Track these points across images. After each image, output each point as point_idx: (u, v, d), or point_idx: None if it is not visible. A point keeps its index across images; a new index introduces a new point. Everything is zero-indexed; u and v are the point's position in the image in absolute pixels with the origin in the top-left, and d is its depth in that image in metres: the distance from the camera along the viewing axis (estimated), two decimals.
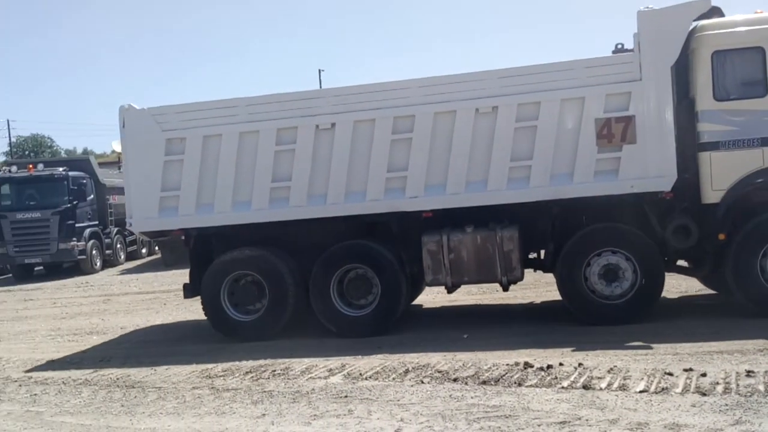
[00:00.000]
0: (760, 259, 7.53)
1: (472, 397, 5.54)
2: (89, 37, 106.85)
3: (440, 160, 8.11)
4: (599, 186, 7.79)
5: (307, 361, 7.18)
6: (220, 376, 6.97)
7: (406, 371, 6.49)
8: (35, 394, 6.89)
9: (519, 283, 8.52)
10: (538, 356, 6.61)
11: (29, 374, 7.71)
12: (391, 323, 8.37)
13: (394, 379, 6.30)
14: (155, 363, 7.67)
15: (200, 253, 9.18)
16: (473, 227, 8.10)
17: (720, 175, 7.60)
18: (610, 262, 7.84)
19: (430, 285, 8.60)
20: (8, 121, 54.38)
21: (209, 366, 7.34)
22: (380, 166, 8.23)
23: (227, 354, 7.85)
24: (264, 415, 5.57)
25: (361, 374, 6.54)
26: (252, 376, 6.82)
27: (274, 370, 6.96)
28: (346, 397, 5.85)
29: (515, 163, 7.96)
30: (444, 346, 7.33)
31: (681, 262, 8.48)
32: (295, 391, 6.16)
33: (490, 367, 6.35)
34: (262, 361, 7.34)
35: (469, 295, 10.49)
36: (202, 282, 8.88)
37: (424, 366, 6.60)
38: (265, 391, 6.25)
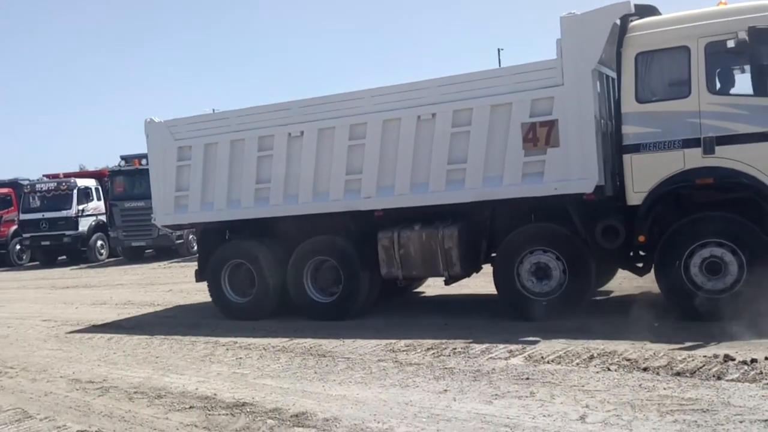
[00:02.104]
0: (684, 261, 7.29)
1: (664, 389, 5.24)
2: (282, 25, 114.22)
3: (389, 163, 8.73)
4: (526, 188, 8.02)
5: (486, 342, 7.21)
6: (403, 350, 7.21)
7: (591, 357, 6.28)
8: (240, 358, 7.58)
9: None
10: (740, 349, 6.07)
11: (234, 340, 8.48)
12: (352, 310, 9.10)
13: (577, 364, 6.13)
14: (343, 335, 8.10)
15: (207, 243, 10.44)
16: (420, 225, 8.66)
17: (641, 178, 7.52)
18: (540, 261, 8.06)
19: (385, 278, 9.00)
20: (213, 110, 59.45)
21: (392, 341, 7.61)
22: (339, 169, 9.00)
23: (407, 330, 8.10)
24: (446, 390, 5.69)
25: (542, 357, 6.44)
26: (433, 353, 6.99)
27: (455, 348, 7.07)
28: (527, 379, 5.80)
29: (452, 166, 8.38)
30: (631, 333, 6.96)
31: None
32: (476, 370, 6.22)
33: (684, 358, 5.95)
34: (442, 339, 7.49)
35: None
36: (207, 268, 10.14)
37: (610, 353, 6.35)
38: (446, 368, 6.38)
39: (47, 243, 22.54)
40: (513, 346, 6.92)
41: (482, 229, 8.60)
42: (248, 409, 5.62)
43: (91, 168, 34.47)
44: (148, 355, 8.11)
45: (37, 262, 23.94)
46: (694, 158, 7.26)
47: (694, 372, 5.57)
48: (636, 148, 7.54)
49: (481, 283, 10.07)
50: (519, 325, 7.81)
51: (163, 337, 9.04)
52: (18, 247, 24.03)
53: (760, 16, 6.98)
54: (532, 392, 5.43)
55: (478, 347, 7.02)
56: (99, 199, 23.27)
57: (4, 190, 24.76)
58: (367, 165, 8.83)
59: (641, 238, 7.56)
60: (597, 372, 5.84)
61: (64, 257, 23.84)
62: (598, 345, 6.68)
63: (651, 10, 7.97)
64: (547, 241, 8.08)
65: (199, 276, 10.39)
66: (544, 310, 7.94)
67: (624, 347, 6.51)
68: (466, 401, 5.37)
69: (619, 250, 7.87)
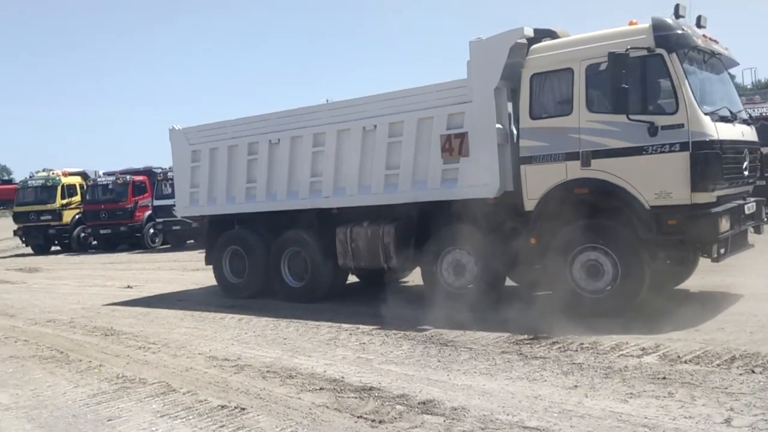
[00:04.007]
0: (569, 264, 8.02)
1: None
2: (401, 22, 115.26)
3: (342, 167, 10.01)
4: (444, 192, 9.00)
5: (615, 338, 6.96)
6: (527, 343, 7.11)
7: (732, 358, 5.93)
8: (363, 343, 7.74)
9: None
10: None
11: (356, 326, 8.65)
12: (317, 296, 10.54)
13: (718, 365, 5.80)
14: (464, 325, 8.05)
15: (213, 232, 12.14)
16: (368, 222, 9.81)
17: (533, 187, 8.31)
18: (457, 258, 9.01)
19: (342, 267, 10.28)
20: (327, 100, 60.56)
21: (515, 333, 7.51)
22: (305, 172, 10.40)
23: (529, 323, 7.92)
24: (576, 386, 5.56)
25: (678, 357, 6.15)
26: (559, 347, 6.84)
27: (582, 344, 6.88)
28: (663, 378, 5.56)
29: (389, 171, 9.53)
30: None
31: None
32: (607, 367, 6.02)
33: None
34: (566, 333, 7.28)
35: None
36: (212, 253, 11.94)
37: (753, 354, 5.98)
38: (574, 363, 6.23)
39: (177, 228, 23.97)
40: (645, 344, 6.65)
41: (413, 227, 9.55)
42: (376, 394, 5.74)
43: None
44: (276, 337, 8.46)
45: (169, 245, 25.56)
46: (574, 170, 7.98)
47: None
48: (529, 160, 8.31)
49: None
50: (647, 323, 7.49)
51: (288, 320, 9.38)
52: (152, 231, 25.75)
53: (619, 42, 7.60)
54: (671, 393, 5.20)
55: (607, 343, 6.80)
56: None
57: (140, 178, 26.56)
58: (326, 169, 10.20)
59: (532, 241, 8.32)
60: (740, 374, 5.51)
61: (192, 241, 25.29)
62: (738, 345, 6.32)
63: (551, 34, 8.72)
64: (462, 240, 8.91)
65: (207, 260, 12.19)
66: (462, 302, 8.69)
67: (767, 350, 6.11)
68: (599, 398, 5.22)
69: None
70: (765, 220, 8.71)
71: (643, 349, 6.51)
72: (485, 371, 6.23)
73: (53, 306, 12.40)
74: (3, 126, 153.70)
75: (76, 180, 27.77)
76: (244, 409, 5.62)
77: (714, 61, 8.22)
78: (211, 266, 12.11)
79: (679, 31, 7.55)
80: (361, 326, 8.61)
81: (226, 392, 6.16)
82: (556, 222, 8.07)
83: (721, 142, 7.39)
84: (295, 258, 10.82)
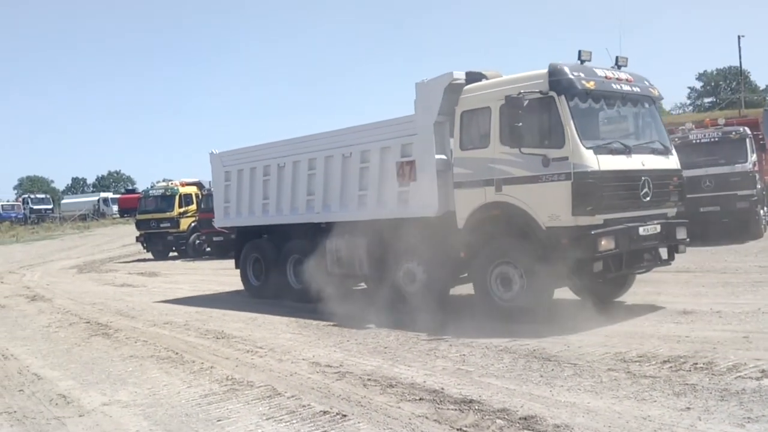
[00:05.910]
0: (489, 276, 9.28)
1: None
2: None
3: (328, 188, 11.76)
4: (399, 211, 10.46)
5: (733, 358, 6.58)
6: (636, 361, 6.82)
7: None
8: (463, 355, 7.69)
9: None
10: None
11: (456, 337, 8.58)
12: (312, 297, 11.43)
13: None
14: (568, 340, 7.88)
15: (240, 241, 14.31)
16: (348, 235, 11.14)
17: (462, 208, 9.60)
18: (409, 269, 10.47)
19: (330, 274, 11.44)
20: None
21: (622, 350, 7.25)
22: (303, 191, 12.29)
23: (640, 340, 7.66)
24: (689, 408, 5.28)
25: None
26: (671, 366, 6.52)
27: (695, 363, 6.53)
28: None
29: (361, 192, 11.15)
30: None
31: None
32: (723, 389, 5.69)
33: None
34: (680, 352, 6.97)
35: None
36: (239, 259, 14.10)
37: None
38: (687, 384, 5.91)
39: None
40: (766, 366, 6.22)
41: (380, 241, 10.61)
42: (476, 407, 5.69)
43: None
44: (377, 345, 8.56)
45: None
46: (490, 194, 9.18)
47: None
48: (460, 185, 9.60)
49: (720, 293, 9.16)
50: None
51: (389, 329, 9.47)
52: None
53: (524, 84, 8.78)
54: None
55: (723, 364, 6.43)
56: None
57: None
58: (317, 189, 11.97)
59: (463, 254, 9.58)
60: None
61: None
62: None
63: (483, 76, 9.78)
64: (414, 253, 10.28)
65: (236, 264, 14.33)
66: (414, 305, 9.93)
67: None
68: (714, 422, 4.94)
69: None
70: (687, 240, 9.55)
71: (763, 371, 6.09)
72: (590, 389, 6.03)
73: (170, 309, 13.16)
74: (128, 139, 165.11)
75: (192, 189, 29.29)
76: (345, 415, 5.73)
77: (634, 97, 9.23)
78: (239, 270, 14.21)
79: (570, 76, 8.57)
80: (461, 338, 8.55)
81: (329, 398, 6.31)
82: (479, 239, 9.41)
83: (603, 172, 8.34)
84: (298, 264, 12.56)
